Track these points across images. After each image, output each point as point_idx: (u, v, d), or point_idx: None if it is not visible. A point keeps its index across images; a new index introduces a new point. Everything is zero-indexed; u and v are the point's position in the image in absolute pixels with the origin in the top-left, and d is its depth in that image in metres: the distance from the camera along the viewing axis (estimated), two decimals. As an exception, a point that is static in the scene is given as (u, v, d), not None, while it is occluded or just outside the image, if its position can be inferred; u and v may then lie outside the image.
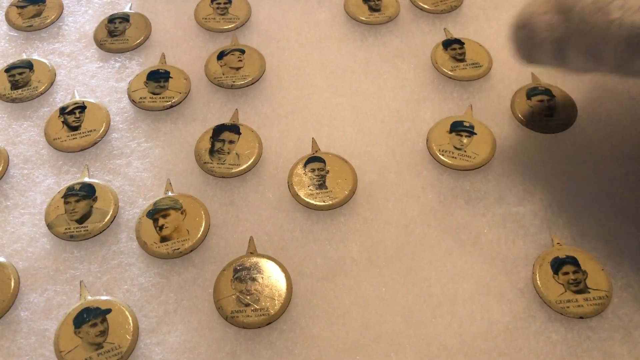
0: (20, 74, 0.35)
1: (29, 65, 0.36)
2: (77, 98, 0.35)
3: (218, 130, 0.32)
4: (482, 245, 0.28)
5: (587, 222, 0.29)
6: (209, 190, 0.31)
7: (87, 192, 0.30)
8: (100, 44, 0.37)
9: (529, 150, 0.31)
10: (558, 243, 0.28)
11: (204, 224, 0.29)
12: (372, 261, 0.28)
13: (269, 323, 0.26)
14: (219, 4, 0.39)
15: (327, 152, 0.32)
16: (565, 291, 0.26)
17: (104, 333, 0.26)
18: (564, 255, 0.28)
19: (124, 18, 0.38)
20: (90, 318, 0.26)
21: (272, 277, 0.27)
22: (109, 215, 0.29)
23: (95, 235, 0.29)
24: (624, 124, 0.32)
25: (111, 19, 0.38)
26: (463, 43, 0.36)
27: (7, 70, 0.36)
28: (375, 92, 0.34)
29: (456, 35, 0.37)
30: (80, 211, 0.30)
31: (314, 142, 0.32)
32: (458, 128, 0.32)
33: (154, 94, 0.34)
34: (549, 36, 0.24)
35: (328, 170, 0.31)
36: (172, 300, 0.27)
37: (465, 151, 0.31)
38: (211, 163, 0.31)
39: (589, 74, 0.23)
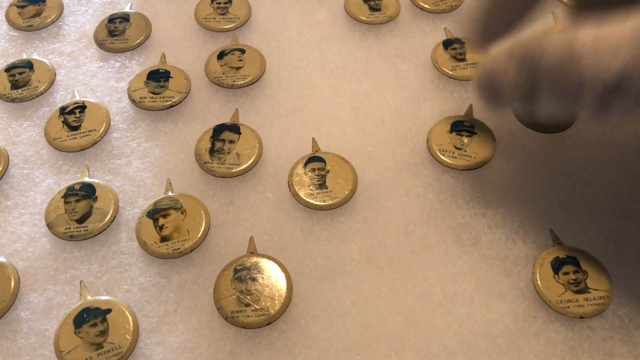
0: (20, 73, 0.35)
1: (29, 65, 0.36)
2: (77, 98, 0.35)
3: (218, 130, 0.32)
4: (482, 245, 0.28)
5: (587, 222, 0.29)
6: (209, 190, 0.31)
7: (87, 192, 0.30)
8: (100, 44, 0.37)
9: (529, 150, 0.31)
10: (558, 243, 0.28)
11: (204, 223, 0.29)
12: (372, 261, 0.28)
13: (269, 323, 0.26)
14: (219, 3, 0.39)
15: (327, 152, 0.32)
16: (566, 291, 0.26)
17: (104, 333, 0.26)
18: (564, 255, 0.28)
19: (124, 18, 0.38)
20: (90, 318, 0.26)
21: (272, 277, 0.27)
22: (109, 215, 0.29)
23: (95, 235, 0.29)
24: (624, 124, 0.32)
25: (111, 19, 0.38)
26: (463, 42, 0.36)
27: (7, 70, 0.36)
28: (375, 92, 0.34)
29: (456, 34, 0.37)
30: (80, 211, 0.30)
31: (314, 141, 0.32)
32: (458, 128, 0.32)
33: (154, 93, 0.34)
34: (516, 91, 0.22)
35: (328, 170, 0.31)
36: (172, 300, 0.27)
37: (465, 151, 0.31)
38: (211, 163, 0.31)
39: (564, 118, 0.21)
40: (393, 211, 0.30)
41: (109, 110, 0.34)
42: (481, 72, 0.24)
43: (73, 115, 0.33)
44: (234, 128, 0.32)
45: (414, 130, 0.33)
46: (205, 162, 0.31)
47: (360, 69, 0.36)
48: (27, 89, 0.35)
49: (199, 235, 0.29)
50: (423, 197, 0.30)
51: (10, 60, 0.36)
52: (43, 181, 0.31)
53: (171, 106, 0.34)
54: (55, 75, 0.36)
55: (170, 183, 0.31)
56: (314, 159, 0.31)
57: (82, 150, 0.32)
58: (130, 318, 0.26)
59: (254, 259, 0.28)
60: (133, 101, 0.34)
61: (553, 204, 0.30)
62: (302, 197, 0.30)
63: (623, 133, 0.32)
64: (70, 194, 0.30)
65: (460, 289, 0.27)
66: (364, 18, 0.38)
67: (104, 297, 0.27)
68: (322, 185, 0.30)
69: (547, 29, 0.21)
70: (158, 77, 0.35)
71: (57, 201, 0.30)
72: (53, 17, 0.39)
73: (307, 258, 0.28)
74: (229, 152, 0.32)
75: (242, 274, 0.27)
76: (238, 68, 0.35)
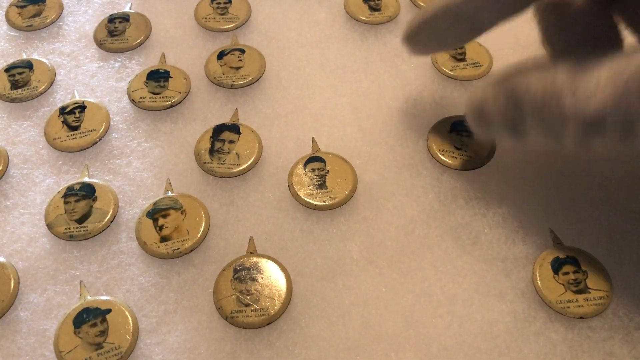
0: (20, 73, 0.35)
1: (28, 65, 0.36)
2: (77, 98, 0.35)
3: (218, 130, 0.32)
4: (482, 245, 0.28)
5: (587, 222, 0.29)
6: (209, 190, 0.31)
7: (87, 192, 0.30)
8: (100, 44, 0.37)
9: (529, 150, 0.31)
10: (558, 243, 0.28)
11: (204, 224, 0.29)
12: (372, 261, 0.28)
13: (269, 323, 0.26)
14: (219, 3, 0.39)
15: (327, 152, 0.32)
16: (566, 291, 0.26)
17: (103, 333, 0.26)
18: (564, 255, 0.28)
19: (124, 18, 0.38)
20: (90, 318, 0.26)
21: (272, 277, 0.27)
22: (109, 215, 0.29)
23: (95, 235, 0.29)
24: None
25: (111, 19, 0.38)
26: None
27: (7, 70, 0.36)
28: (375, 92, 0.34)
29: (456, 35, 0.37)
30: (80, 211, 0.30)
31: (314, 142, 0.32)
32: (458, 128, 0.32)
33: (154, 93, 0.34)
34: (504, 122, 0.23)
35: (328, 170, 0.31)
36: (172, 300, 0.27)
37: (465, 151, 0.31)
38: (211, 163, 0.31)
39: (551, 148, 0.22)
40: (393, 211, 0.30)
41: (108, 110, 0.34)
42: (470, 103, 0.25)
43: (73, 115, 0.33)
44: (234, 128, 0.32)
45: (414, 130, 0.33)
46: (205, 162, 0.31)
47: (360, 69, 0.36)
48: (27, 89, 0.35)
49: (199, 236, 0.29)
50: (423, 197, 0.30)
51: (10, 60, 0.36)
52: (43, 181, 0.31)
53: (171, 106, 0.34)
54: (55, 75, 0.36)
55: (170, 183, 0.31)
56: (314, 159, 0.31)
57: (81, 150, 0.32)
58: (130, 318, 0.26)
59: (254, 259, 0.28)
60: (133, 101, 0.34)
61: (553, 204, 0.30)
62: (302, 197, 0.30)
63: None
64: (70, 194, 0.30)
65: (460, 289, 0.27)
66: (364, 18, 0.38)
67: (103, 297, 0.27)
68: (322, 185, 0.30)
69: (532, 64, 0.22)
70: (158, 77, 0.35)
71: (57, 201, 0.30)
72: (53, 17, 0.39)
73: (307, 258, 0.28)
74: (228, 152, 0.31)
75: (241, 274, 0.27)
76: (238, 68, 0.35)
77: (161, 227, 0.29)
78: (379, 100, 0.34)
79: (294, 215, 0.30)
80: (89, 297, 0.27)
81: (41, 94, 0.35)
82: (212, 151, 0.32)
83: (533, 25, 0.27)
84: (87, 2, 0.40)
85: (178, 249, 0.28)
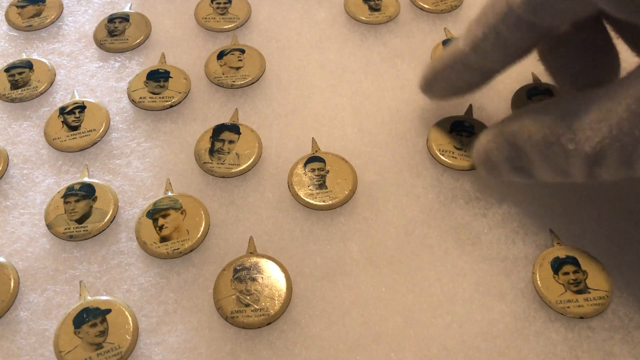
0: (20, 73, 0.35)
1: (28, 65, 0.36)
2: (77, 98, 0.35)
3: (218, 130, 0.32)
4: (482, 245, 0.28)
5: (587, 222, 0.29)
6: (208, 190, 0.31)
7: (87, 192, 0.30)
8: (100, 44, 0.37)
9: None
10: (558, 243, 0.28)
11: (203, 224, 0.29)
12: (372, 261, 0.28)
13: (269, 323, 0.26)
14: (219, 3, 0.39)
15: (327, 152, 0.32)
16: (566, 291, 0.26)
17: (103, 333, 0.26)
18: (564, 255, 0.28)
19: (124, 18, 0.38)
20: (90, 318, 0.26)
21: (272, 277, 0.27)
22: (109, 215, 0.29)
23: (95, 235, 0.29)
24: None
25: (111, 19, 0.38)
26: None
27: (7, 70, 0.36)
28: (375, 92, 0.34)
29: (456, 34, 0.37)
30: (80, 211, 0.30)
31: (314, 142, 0.32)
32: (458, 128, 0.32)
33: (153, 93, 0.34)
34: (512, 168, 0.25)
35: (328, 170, 0.31)
36: (172, 300, 0.27)
37: (465, 151, 0.31)
38: (211, 163, 0.31)
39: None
40: (393, 211, 0.30)
41: (108, 110, 0.34)
42: (477, 153, 0.27)
43: (73, 115, 0.33)
44: (234, 128, 0.32)
45: (414, 130, 0.33)
46: (204, 162, 0.31)
47: (360, 69, 0.36)
48: (27, 89, 0.35)
49: (199, 236, 0.29)
50: (423, 197, 0.30)
51: (10, 60, 0.36)
52: (43, 181, 0.31)
53: (171, 106, 0.34)
54: (55, 75, 0.36)
55: (170, 183, 0.31)
56: (314, 159, 0.31)
57: (81, 150, 0.32)
58: (130, 318, 0.26)
59: (254, 259, 0.28)
60: (133, 101, 0.34)
61: (553, 204, 0.30)
62: (302, 197, 0.30)
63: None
64: (69, 194, 0.30)
65: (460, 289, 0.27)
66: (364, 18, 0.38)
67: (103, 297, 0.27)
68: (322, 185, 0.30)
69: (528, 111, 0.24)
70: (158, 77, 0.35)
71: (57, 201, 0.30)
72: (53, 17, 0.39)
73: (307, 258, 0.28)
74: (228, 152, 0.31)
75: (241, 274, 0.27)
76: (238, 68, 0.35)
77: (161, 227, 0.29)
78: (379, 100, 0.34)
79: (294, 215, 0.30)
80: (88, 297, 0.27)
81: (41, 94, 0.35)
82: (212, 151, 0.32)
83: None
84: (87, 2, 0.40)
85: (178, 249, 0.28)
